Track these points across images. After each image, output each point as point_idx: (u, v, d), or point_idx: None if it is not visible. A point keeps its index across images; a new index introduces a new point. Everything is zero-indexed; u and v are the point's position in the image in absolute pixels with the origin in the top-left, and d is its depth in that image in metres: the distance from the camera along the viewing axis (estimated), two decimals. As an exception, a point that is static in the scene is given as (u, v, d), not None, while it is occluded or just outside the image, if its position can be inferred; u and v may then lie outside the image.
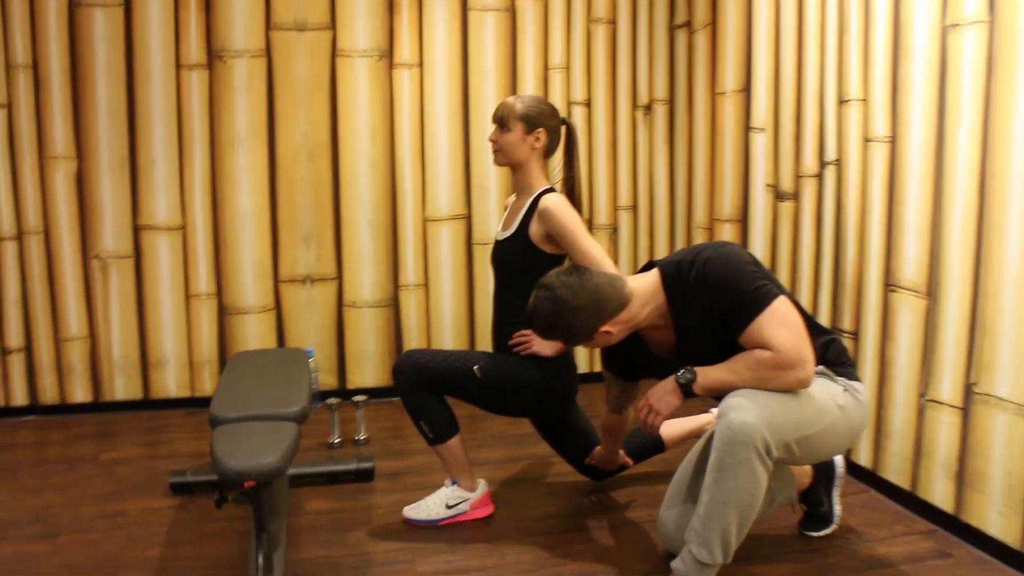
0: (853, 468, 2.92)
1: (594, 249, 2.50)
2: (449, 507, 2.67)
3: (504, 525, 2.66)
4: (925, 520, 2.58)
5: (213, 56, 3.72)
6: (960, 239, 2.41)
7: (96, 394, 3.84)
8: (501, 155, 2.65)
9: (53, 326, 3.76)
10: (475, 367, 2.58)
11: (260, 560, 2.15)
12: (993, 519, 2.33)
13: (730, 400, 1.99)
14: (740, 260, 2.06)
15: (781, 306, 2.01)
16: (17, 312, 3.72)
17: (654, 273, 2.17)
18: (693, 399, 2.17)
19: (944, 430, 2.50)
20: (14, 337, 3.73)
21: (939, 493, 2.53)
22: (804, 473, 2.48)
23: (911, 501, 2.65)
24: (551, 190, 2.62)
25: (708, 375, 2.08)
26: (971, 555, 2.37)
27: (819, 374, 2.12)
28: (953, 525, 2.48)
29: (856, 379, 2.20)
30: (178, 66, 3.71)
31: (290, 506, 2.79)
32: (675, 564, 2.08)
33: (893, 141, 2.66)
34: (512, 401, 2.67)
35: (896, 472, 2.72)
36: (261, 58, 3.76)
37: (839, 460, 2.50)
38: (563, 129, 2.70)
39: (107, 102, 3.67)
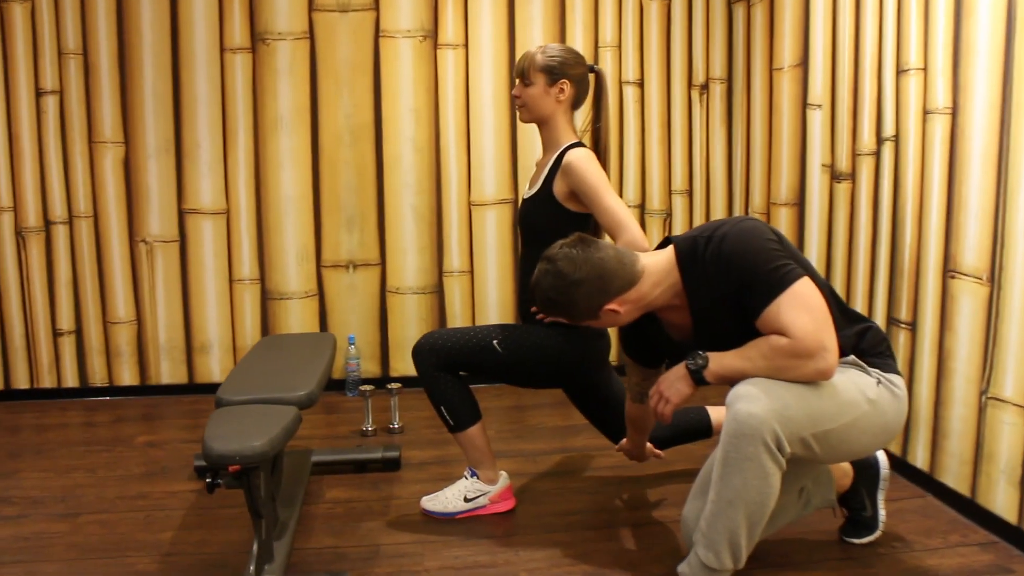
0: (907, 470, 2.69)
1: (618, 207, 2.33)
2: (467, 500, 2.55)
3: (524, 521, 2.53)
4: (985, 530, 2.33)
5: (256, 39, 3.70)
6: (1025, 218, 2.16)
7: (143, 377, 3.86)
8: (525, 111, 2.50)
9: (102, 309, 3.80)
10: (495, 341, 2.44)
11: (255, 548, 2.08)
12: (1058, 531, 2.08)
13: (738, 389, 1.81)
14: (760, 236, 1.86)
15: (803, 288, 1.80)
16: (68, 295, 3.77)
17: (669, 250, 1.98)
18: (709, 387, 1.99)
19: (1007, 431, 2.25)
20: (65, 320, 3.79)
21: (1001, 500, 2.28)
22: (844, 474, 2.26)
23: (970, 508, 2.40)
24: (578, 144, 2.46)
25: (720, 362, 1.89)
26: (1033, 571, 2.13)
27: (850, 364, 1.92)
28: (1016, 537, 2.22)
29: (895, 371, 1.98)
30: (222, 49, 3.69)
31: (309, 494, 2.73)
32: (681, 568, 1.92)
33: (954, 112, 2.42)
34: (537, 373, 2.52)
35: (954, 476, 2.47)
36: (304, 40, 3.71)
37: (883, 459, 2.27)
38: (591, 78, 2.53)
39: (153, 86, 3.69)
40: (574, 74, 2.46)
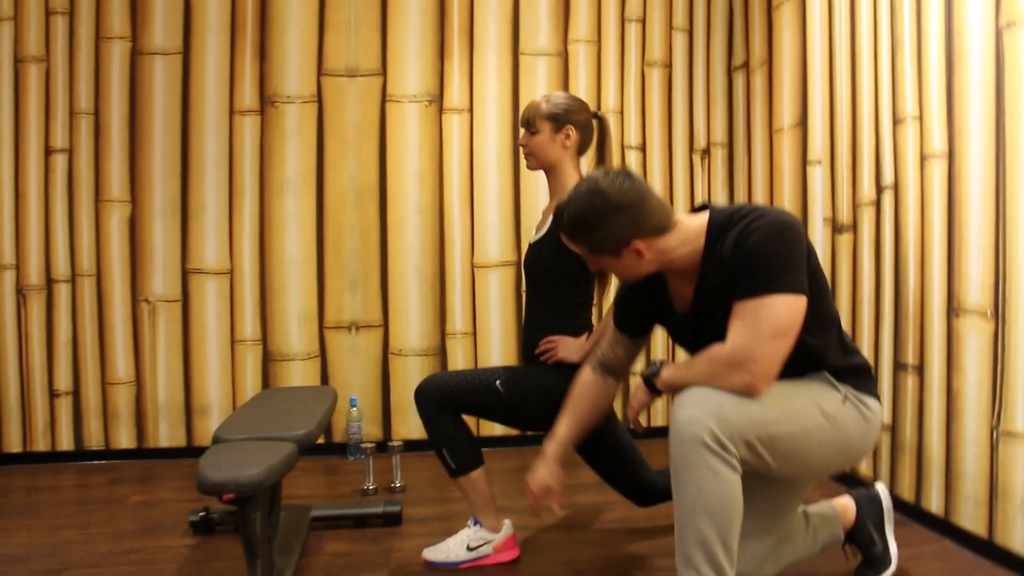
0: (922, 516, 2.62)
1: None
2: (470, 549, 2.48)
3: (528, 570, 2.45)
4: (1006, 569, 2.27)
5: (265, 102, 3.78)
6: (1029, 252, 2.17)
7: (140, 440, 3.80)
8: (533, 159, 2.54)
9: (101, 370, 3.77)
10: (498, 382, 2.42)
11: (252, 587, 2.02)
12: (1080, 567, 2.02)
13: (678, 399, 1.79)
14: (790, 240, 1.81)
15: (781, 304, 1.76)
16: (67, 355, 3.75)
17: (703, 216, 1.93)
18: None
19: (1021, 465, 2.21)
20: (63, 380, 3.75)
21: (1020, 537, 2.22)
22: (846, 508, 2.21)
23: (988, 549, 2.33)
24: None
25: (670, 371, 1.91)
26: (1055, 610, 2.05)
27: (818, 379, 1.89)
28: (1036, 577, 2.16)
29: (871, 394, 1.94)
30: (231, 112, 3.77)
31: (308, 547, 2.66)
32: None
33: (951, 156, 2.46)
34: (539, 414, 2.46)
35: (970, 518, 2.41)
36: (312, 103, 3.80)
37: (883, 490, 2.23)
38: (595, 123, 2.57)
39: (162, 147, 3.75)
40: (578, 120, 2.51)
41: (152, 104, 3.74)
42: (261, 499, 2.00)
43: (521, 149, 2.57)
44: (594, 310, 2.61)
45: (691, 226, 1.91)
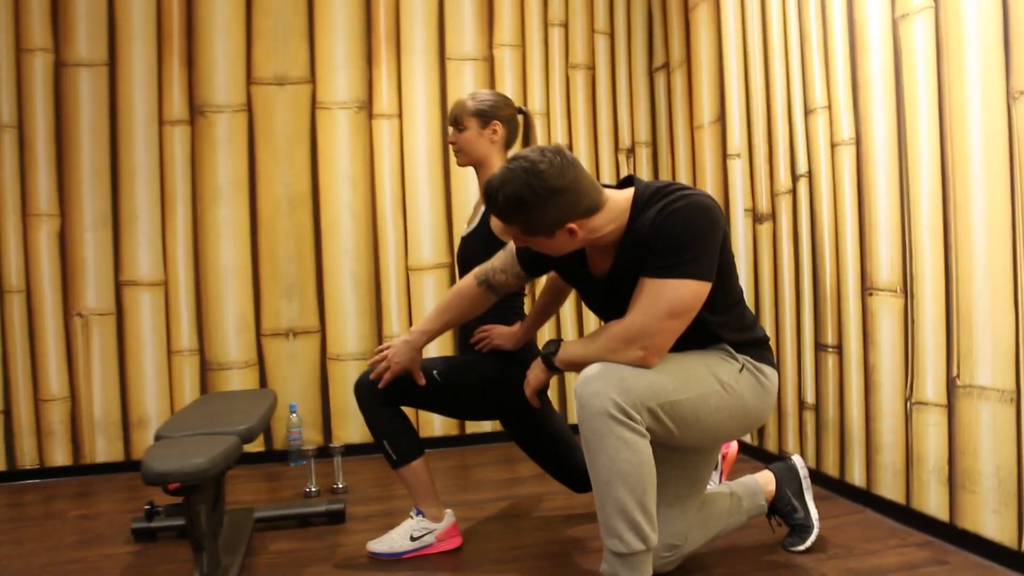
0: (846, 489, 2.75)
1: None
2: (414, 539, 2.52)
3: (472, 557, 2.50)
4: (921, 532, 2.40)
5: (195, 112, 3.78)
6: (930, 230, 2.31)
7: (76, 456, 3.75)
8: (462, 155, 2.60)
9: (33, 387, 3.72)
10: (435, 372, 2.47)
11: (198, 582, 2.03)
12: (987, 520, 2.15)
13: (579, 376, 1.88)
14: (706, 225, 1.87)
15: (685, 288, 1.84)
16: (-2, 373, 3.69)
17: (628, 192, 1.97)
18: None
19: (932, 432, 2.34)
20: (-6, 398, 3.69)
21: (933, 501, 2.35)
22: (767, 481, 2.33)
23: (906, 515, 2.47)
24: None
25: (567, 349, 2.01)
26: (968, 561, 2.19)
27: (717, 351, 2.00)
28: (949, 533, 2.29)
29: (768, 363, 2.05)
30: (161, 122, 3.76)
31: (253, 547, 2.67)
32: (602, 567, 1.91)
33: (858, 142, 2.60)
34: (476, 401, 2.54)
35: (889, 487, 2.54)
36: (242, 112, 3.81)
37: (799, 461, 2.36)
38: (520, 118, 2.66)
39: (91, 160, 3.72)
40: (504, 115, 2.59)
41: (78, 116, 3.71)
42: (205, 491, 2.02)
43: (451, 147, 2.63)
44: (526, 299, 2.69)
45: (618, 202, 1.96)
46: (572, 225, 1.89)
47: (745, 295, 3.28)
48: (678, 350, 1.95)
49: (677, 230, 1.85)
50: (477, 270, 2.33)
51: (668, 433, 1.90)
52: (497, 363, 2.51)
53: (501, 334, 2.53)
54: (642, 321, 1.85)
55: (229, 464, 2.02)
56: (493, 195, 1.89)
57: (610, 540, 1.85)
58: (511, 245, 2.28)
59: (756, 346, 2.05)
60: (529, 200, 1.85)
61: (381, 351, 2.40)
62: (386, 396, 2.45)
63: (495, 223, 2.51)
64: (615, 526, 1.83)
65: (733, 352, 2.00)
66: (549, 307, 2.54)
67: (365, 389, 2.46)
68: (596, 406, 1.81)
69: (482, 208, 2.57)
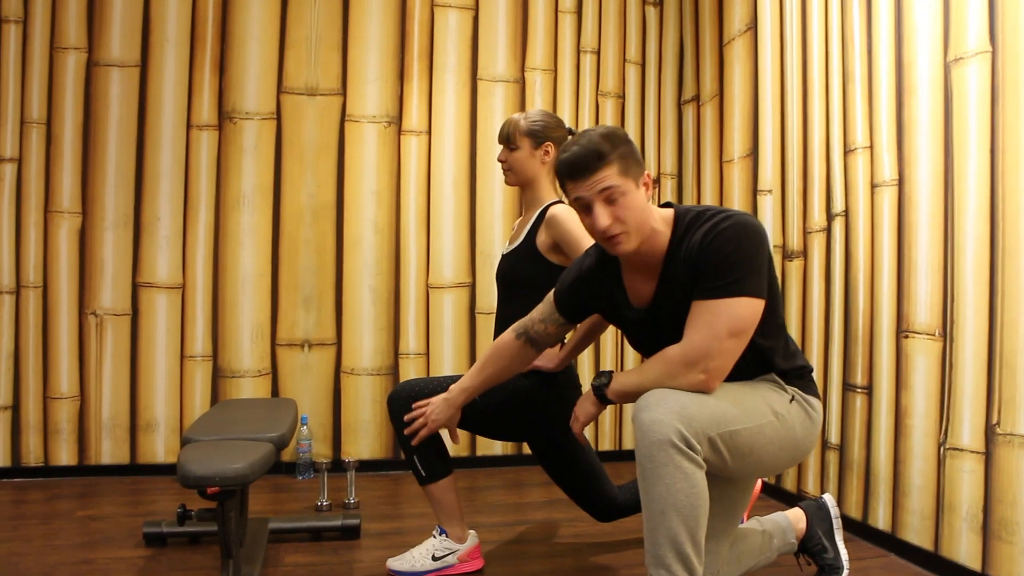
0: (869, 532, 2.72)
1: None
2: (436, 559, 2.48)
3: (493, 580, 2.47)
4: (950, 580, 2.38)
5: (224, 117, 3.77)
6: (974, 274, 2.31)
7: (81, 457, 3.70)
8: (512, 174, 2.59)
9: (43, 384, 3.67)
10: None
11: (223, 591, 1.99)
12: (1023, 572, 2.13)
13: (639, 402, 1.83)
14: (755, 243, 1.86)
15: (741, 308, 1.82)
16: (8, 368, 3.64)
17: (669, 212, 1.97)
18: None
19: (966, 479, 2.33)
20: (2, 394, 3.63)
21: (964, 550, 2.33)
22: (798, 519, 2.30)
23: (934, 562, 2.44)
24: (559, 202, 2.56)
25: (620, 380, 1.96)
26: (1002, 611, 2.16)
27: (767, 380, 1.97)
28: (981, 583, 2.27)
29: (814, 394, 2.03)
30: (189, 126, 3.75)
31: (269, 559, 2.63)
32: None
33: (900, 184, 2.60)
34: (512, 422, 2.51)
35: (916, 532, 2.52)
36: (271, 120, 3.80)
37: (830, 500, 2.32)
38: (568, 137, 2.64)
39: (116, 159, 3.70)
40: (556, 136, 2.58)
41: (107, 116, 3.70)
42: (237, 498, 1.98)
43: (500, 164, 2.62)
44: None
45: (661, 212, 1.96)
46: (648, 176, 1.93)
47: (771, 331, 3.29)
48: (727, 380, 1.93)
49: (728, 248, 1.84)
50: (516, 325, 2.29)
51: (723, 463, 1.87)
52: (536, 384, 2.48)
53: (543, 354, 2.50)
54: (702, 342, 1.82)
55: (264, 471, 1.98)
56: (589, 133, 1.90)
57: (656, 570, 1.81)
58: (550, 296, 2.24)
59: (802, 377, 2.03)
60: (621, 134, 1.90)
61: (420, 407, 2.36)
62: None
63: (541, 238, 2.49)
64: (664, 556, 1.79)
65: (782, 383, 1.98)
66: (592, 331, 2.51)
67: (400, 403, 2.43)
68: (658, 434, 1.76)
69: (527, 226, 2.55)
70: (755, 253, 1.86)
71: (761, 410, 1.90)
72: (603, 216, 1.87)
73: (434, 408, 2.33)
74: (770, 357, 1.97)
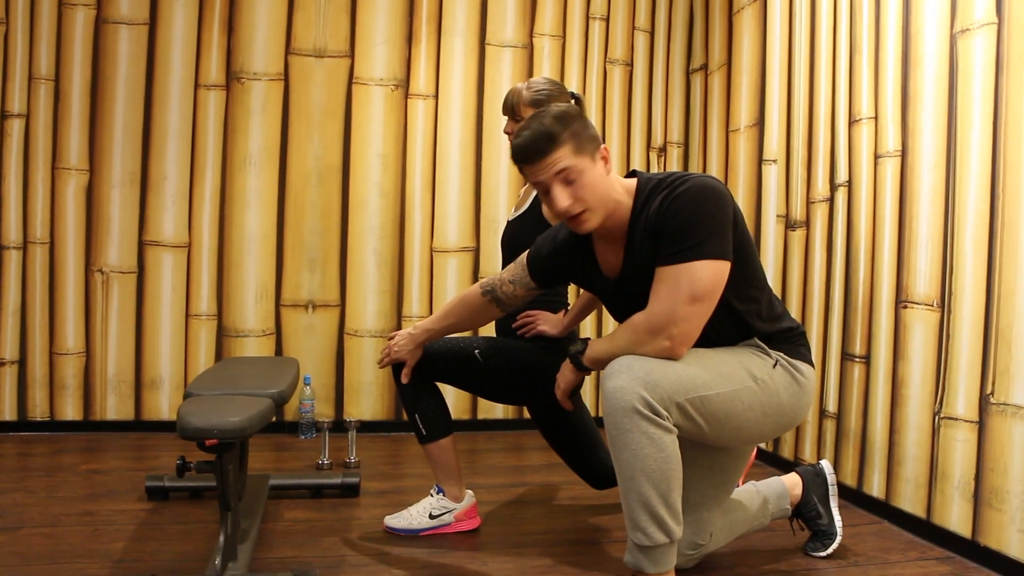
0: (864, 499, 2.75)
1: None
2: (432, 517, 2.52)
3: (490, 539, 2.50)
4: (940, 547, 2.40)
5: (231, 77, 3.77)
6: (973, 245, 2.31)
7: (86, 412, 3.75)
8: None
9: (49, 340, 3.71)
10: (476, 351, 2.47)
11: (221, 541, 2.02)
12: (1013, 539, 2.15)
13: (605, 371, 1.85)
14: (714, 204, 1.84)
15: (703, 270, 1.81)
16: (15, 324, 3.68)
17: (632, 180, 1.98)
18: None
19: (960, 448, 2.35)
20: (8, 349, 3.67)
21: (956, 517, 2.36)
22: (794, 484, 2.33)
23: (926, 529, 2.47)
24: None
25: (593, 347, 1.98)
26: (989, 578, 2.19)
27: (749, 346, 1.97)
28: (971, 550, 2.29)
29: (804, 359, 2.01)
30: (196, 85, 3.75)
31: (268, 514, 2.67)
32: (625, 558, 1.89)
33: (904, 155, 2.60)
34: (514, 385, 2.52)
35: (910, 500, 2.55)
36: (279, 82, 3.80)
37: (827, 467, 2.35)
38: (572, 103, 2.63)
39: (124, 117, 3.71)
40: (560, 103, 2.57)
41: (115, 73, 3.70)
42: (236, 451, 2.01)
43: (507, 136, 2.62)
44: (570, 286, 2.68)
45: (624, 183, 1.97)
46: (606, 152, 1.94)
47: (772, 300, 3.30)
48: (709, 347, 1.93)
49: (685, 212, 1.83)
50: (484, 280, 2.32)
51: (698, 430, 1.87)
52: (540, 350, 2.50)
53: (547, 320, 2.52)
54: (663, 309, 1.82)
55: (263, 424, 2.01)
56: (540, 117, 1.91)
57: (634, 533, 1.84)
58: (522, 257, 2.26)
59: (790, 340, 2.01)
60: (572, 112, 1.91)
61: (391, 337, 2.47)
62: (423, 371, 2.45)
63: (547, 208, 2.50)
64: (638, 519, 1.82)
65: (766, 348, 1.97)
66: (596, 298, 2.53)
67: (402, 363, 2.46)
68: (622, 401, 1.78)
69: (532, 193, 2.56)
70: (715, 215, 1.84)
71: (737, 375, 1.89)
72: (562, 197, 1.88)
73: (398, 341, 2.43)
74: (749, 321, 1.96)
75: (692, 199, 1.83)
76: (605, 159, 1.93)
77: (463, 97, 3.93)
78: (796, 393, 1.98)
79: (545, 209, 2.49)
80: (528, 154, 1.89)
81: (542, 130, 1.87)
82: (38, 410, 3.72)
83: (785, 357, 1.98)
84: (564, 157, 1.87)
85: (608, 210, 1.92)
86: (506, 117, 2.61)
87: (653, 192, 1.90)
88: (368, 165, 3.88)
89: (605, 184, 1.91)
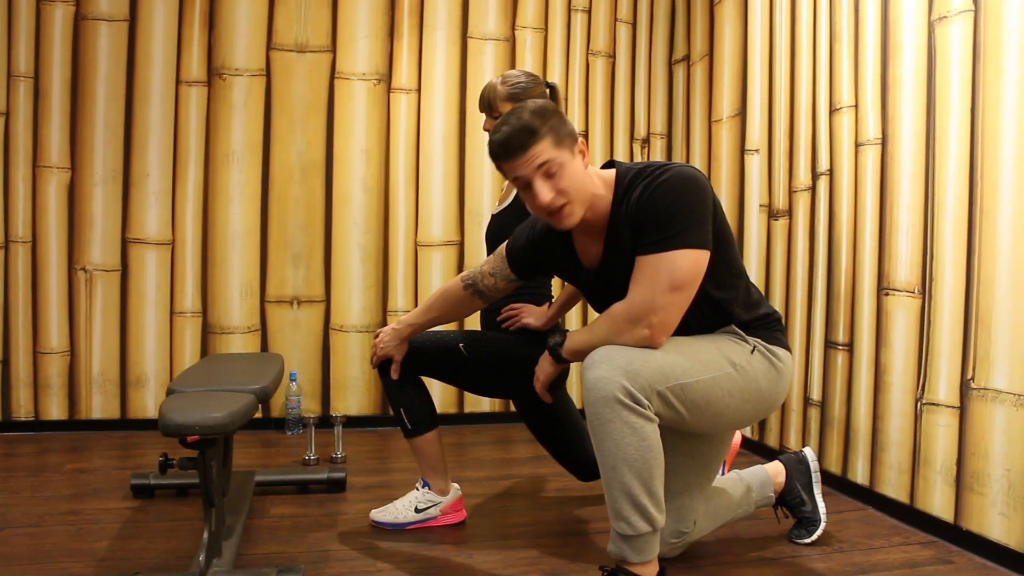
0: (848, 486, 2.77)
1: None
2: (418, 511, 2.52)
3: (476, 531, 2.50)
4: (923, 532, 2.42)
5: (213, 73, 3.75)
6: (953, 231, 2.32)
7: (71, 411, 3.73)
8: None
9: (33, 339, 3.69)
10: (460, 345, 2.46)
11: (205, 537, 2.02)
12: (994, 522, 2.17)
13: (585, 361, 1.85)
14: (694, 194, 1.84)
15: (683, 259, 1.81)
16: (-2, 323, 3.66)
17: (611, 172, 1.98)
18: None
19: (942, 433, 2.36)
20: (-7, 348, 3.66)
21: (938, 502, 2.37)
22: (777, 472, 2.34)
23: (910, 514, 2.48)
24: None
25: (572, 339, 1.98)
26: (972, 562, 2.20)
27: (726, 332, 1.98)
28: (953, 534, 2.31)
29: (781, 344, 2.02)
30: (178, 82, 3.73)
31: (254, 510, 2.66)
32: (609, 548, 1.89)
33: (884, 143, 2.61)
34: (499, 378, 2.52)
35: (893, 486, 2.56)
36: (260, 77, 3.79)
37: (810, 454, 2.36)
38: (547, 93, 2.63)
39: (105, 114, 3.69)
40: (536, 95, 2.57)
41: (95, 70, 3.68)
42: (219, 447, 2.01)
43: (487, 133, 2.61)
44: (554, 279, 2.68)
45: (602, 175, 1.96)
46: (583, 143, 1.93)
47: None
48: (687, 334, 1.94)
49: (665, 202, 1.83)
50: (465, 273, 2.32)
51: (679, 417, 1.88)
52: (524, 342, 2.50)
53: (531, 312, 2.52)
54: (644, 298, 1.82)
55: (245, 420, 2.00)
56: (517, 112, 1.90)
57: (617, 523, 1.84)
58: (502, 248, 2.26)
59: (767, 327, 2.02)
60: (550, 107, 1.90)
61: (377, 334, 2.47)
62: (407, 364, 2.44)
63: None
64: (621, 509, 1.82)
65: (743, 335, 1.98)
66: (579, 292, 2.53)
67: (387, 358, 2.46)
68: (603, 391, 1.78)
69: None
70: (695, 204, 1.84)
71: (716, 362, 1.90)
72: (544, 191, 1.86)
73: (383, 337, 2.44)
74: (727, 308, 1.97)
75: (672, 189, 1.83)
76: (583, 153, 1.93)
77: (446, 91, 3.93)
78: (774, 378, 1.99)
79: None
80: (508, 149, 1.88)
81: (521, 124, 1.87)
82: (22, 410, 3.70)
83: (762, 343, 1.99)
84: (545, 151, 1.86)
85: (587, 203, 1.92)
86: (483, 114, 2.60)
87: (633, 182, 1.90)
88: (351, 160, 3.86)
89: (585, 176, 1.91)
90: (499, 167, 1.94)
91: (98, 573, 2.14)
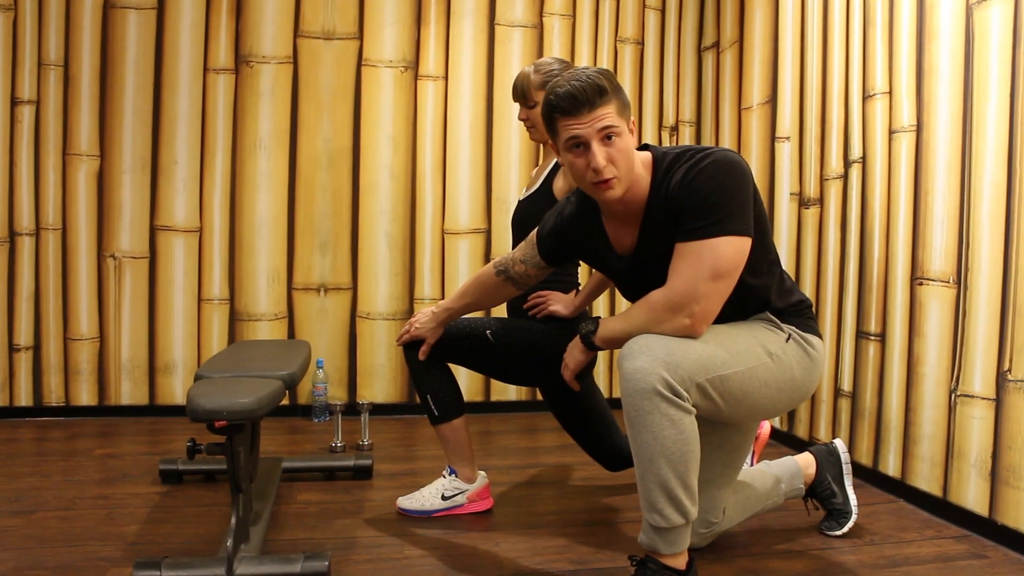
0: (879, 478, 2.73)
1: None
2: (445, 498, 2.52)
3: (503, 519, 2.50)
4: (956, 526, 2.38)
5: (240, 61, 3.76)
6: (990, 220, 2.27)
7: (101, 397, 3.76)
8: (536, 131, 2.54)
9: (63, 325, 3.72)
10: (488, 332, 2.45)
11: (233, 523, 2.02)
12: (1030, 516, 2.13)
13: (623, 350, 1.80)
14: (738, 180, 1.80)
15: (726, 246, 1.77)
16: (29, 310, 3.69)
17: (647, 155, 1.92)
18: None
19: (976, 425, 2.32)
20: (23, 335, 3.69)
21: (972, 495, 2.33)
22: (807, 463, 2.31)
23: (942, 507, 2.44)
24: None
25: (606, 326, 1.93)
26: (1007, 557, 2.16)
27: (761, 320, 1.94)
28: (988, 528, 2.27)
29: (813, 332, 1.98)
30: (205, 70, 3.74)
31: (280, 496, 2.67)
32: (640, 538, 1.87)
33: (919, 130, 2.56)
34: (526, 366, 2.51)
35: (926, 479, 2.52)
36: (288, 65, 3.79)
37: (841, 446, 2.33)
38: None
39: (133, 102, 3.71)
40: None
41: (124, 58, 3.70)
42: (247, 433, 2.01)
43: (523, 123, 2.59)
44: (581, 266, 2.66)
45: (639, 155, 1.90)
46: (634, 122, 1.89)
47: (786, 279, 3.27)
48: (720, 321, 1.89)
49: (708, 188, 1.77)
50: (498, 261, 2.30)
51: (715, 408, 1.85)
52: (551, 330, 2.48)
53: (558, 300, 2.50)
54: (686, 286, 1.78)
55: (272, 406, 2.01)
56: (584, 69, 1.84)
57: (650, 514, 1.81)
58: (532, 236, 2.23)
59: (800, 315, 1.99)
60: (609, 77, 1.83)
61: (411, 321, 2.48)
62: (435, 351, 2.44)
63: (558, 184, 2.48)
64: (655, 501, 1.79)
65: (778, 322, 1.94)
66: (606, 280, 2.51)
67: (414, 345, 2.45)
68: (642, 383, 1.74)
69: (545, 172, 2.54)
70: (738, 190, 1.79)
71: (753, 352, 1.87)
72: (600, 154, 1.80)
73: (419, 319, 2.44)
74: (763, 296, 1.94)
75: (716, 174, 1.78)
76: (633, 131, 1.88)
77: (473, 78, 3.91)
78: (808, 367, 1.96)
79: (558, 183, 2.47)
80: (576, 104, 1.80)
81: (592, 81, 1.80)
82: (53, 395, 3.74)
83: (797, 331, 1.95)
84: (610, 115, 1.81)
85: (631, 182, 1.87)
86: (517, 104, 2.58)
87: (672, 166, 1.85)
88: (378, 147, 3.86)
89: (634, 155, 1.87)
90: (554, 123, 1.85)
91: (127, 556, 2.15)
